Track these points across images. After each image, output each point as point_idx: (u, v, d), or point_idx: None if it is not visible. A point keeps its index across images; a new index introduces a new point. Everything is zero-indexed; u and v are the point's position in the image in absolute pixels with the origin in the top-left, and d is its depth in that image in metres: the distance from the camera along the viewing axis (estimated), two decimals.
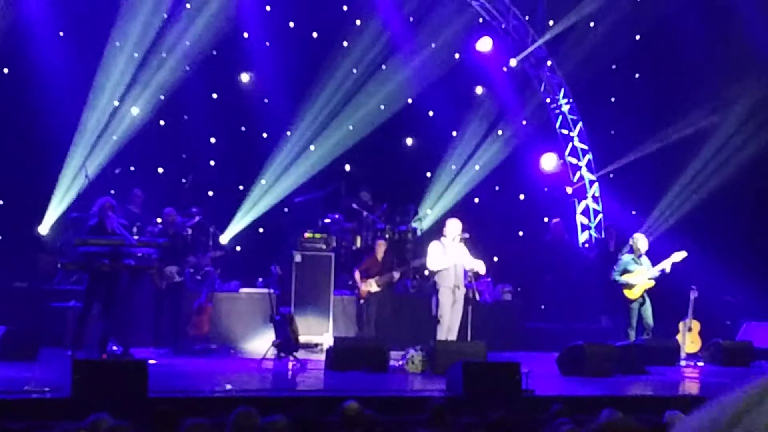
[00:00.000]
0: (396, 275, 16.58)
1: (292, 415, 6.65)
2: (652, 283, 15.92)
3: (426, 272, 17.10)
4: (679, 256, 15.80)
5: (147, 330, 15.38)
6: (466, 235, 14.75)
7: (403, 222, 18.65)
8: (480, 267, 14.72)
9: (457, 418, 8.35)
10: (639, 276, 15.93)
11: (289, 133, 19.26)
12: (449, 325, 14.62)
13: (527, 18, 20.96)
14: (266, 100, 19.43)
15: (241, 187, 18.86)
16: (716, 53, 20.00)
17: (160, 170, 18.86)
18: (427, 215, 19.88)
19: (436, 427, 7.42)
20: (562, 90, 21.53)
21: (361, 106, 19.63)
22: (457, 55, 20.76)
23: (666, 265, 15.82)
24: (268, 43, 19.43)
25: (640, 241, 16.28)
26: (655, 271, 15.88)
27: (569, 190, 21.78)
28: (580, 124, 21.74)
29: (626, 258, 16.23)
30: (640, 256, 16.16)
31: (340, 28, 19.68)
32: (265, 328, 15.15)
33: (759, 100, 19.77)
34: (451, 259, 14.65)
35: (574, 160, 21.86)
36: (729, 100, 19.78)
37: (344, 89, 19.50)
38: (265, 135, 19.37)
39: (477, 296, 15.79)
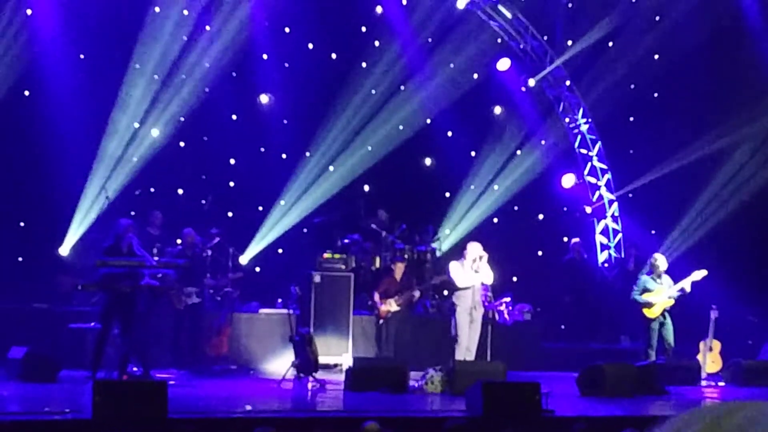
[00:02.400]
0: (416, 294, 16.62)
1: None
2: (672, 301, 15.87)
3: (445, 292, 17.12)
4: (699, 274, 15.75)
5: (166, 351, 15.41)
6: (485, 255, 14.79)
7: (422, 242, 18.67)
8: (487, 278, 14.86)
9: None
10: (658, 295, 15.88)
11: (308, 153, 19.31)
12: (467, 345, 14.66)
13: (545, 38, 20.99)
14: (285, 121, 19.48)
15: (260, 208, 18.90)
16: (735, 73, 19.97)
17: (180, 191, 18.92)
18: (446, 235, 19.87)
19: None
20: (581, 110, 21.53)
21: (380, 127, 19.66)
22: (475, 76, 20.77)
23: (686, 284, 15.77)
24: (287, 65, 19.50)
25: (660, 260, 16.25)
26: (675, 290, 15.83)
27: (588, 209, 21.74)
28: (599, 144, 21.73)
29: (645, 277, 16.19)
30: (660, 275, 16.11)
31: (358, 50, 19.73)
32: (285, 349, 15.17)
33: None
34: (470, 280, 14.72)
35: (593, 180, 21.83)
36: (748, 120, 19.71)
37: (363, 110, 19.54)
38: (284, 156, 19.41)
39: (496, 317, 15.87)
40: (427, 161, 21.02)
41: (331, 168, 19.48)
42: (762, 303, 18.28)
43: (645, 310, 15.98)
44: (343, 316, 16.31)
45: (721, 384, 15.90)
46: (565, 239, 20.67)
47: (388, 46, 19.82)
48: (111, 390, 10.01)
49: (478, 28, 20.42)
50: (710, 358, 16.26)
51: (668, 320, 15.93)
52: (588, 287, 19.88)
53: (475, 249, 14.90)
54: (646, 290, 16.01)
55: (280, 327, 15.87)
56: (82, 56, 17.76)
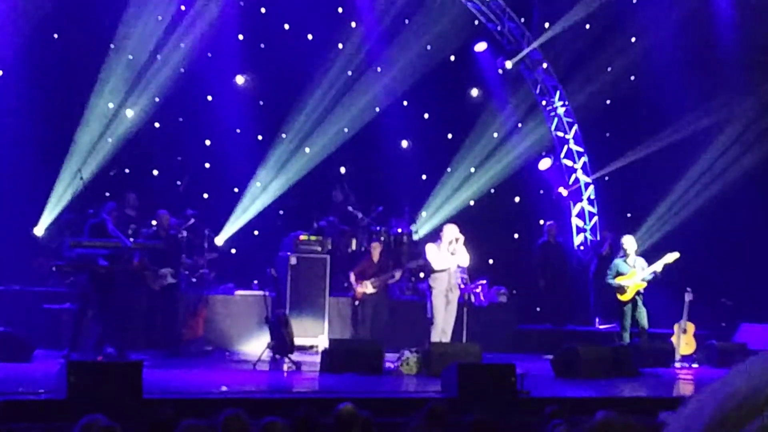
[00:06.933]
0: (397, 275, 16.63)
1: (288, 417, 6.64)
2: (644, 284, 15.91)
3: (421, 274, 17.13)
4: (671, 257, 15.80)
5: (141, 332, 15.38)
6: (462, 237, 14.81)
7: (398, 224, 18.66)
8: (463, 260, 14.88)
9: (453, 420, 8.35)
10: (631, 278, 15.92)
11: (284, 135, 19.24)
12: (443, 326, 14.68)
13: (522, 20, 20.97)
14: (261, 102, 19.43)
15: (236, 190, 18.84)
16: (711, 56, 20.05)
17: (155, 172, 18.83)
18: (423, 219, 19.86)
19: (433, 427, 7.41)
20: (558, 92, 21.54)
21: (356, 109, 19.61)
22: (452, 57, 20.74)
23: (658, 266, 15.82)
24: (263, 45, 19.43)
25: (628, 242, 16.27)
26: (647, 273, 15.88)
27: (564, 192, 21.77)
28: (575, 127, 21.75)
29: (618, 261, 16.23)
30: (629, 257, 16.13)
31: (335, 31, 19.67)
32: (260, 331, 15.15)
33: (760, 104, 19.76)
34: (446, 262, 14.73)
35: (569, 163, 21.86)
36: (725, 104, 19.77)
37: (339, 91, 19.49)
38: (260, 137, 19.35)
39: (472, 299, 15.89)
40: (404, 143, 20.98)
41: (306, 149, 19.43)
42: (736, 286, 18.37)
43: (618, 294, 16.03)
44: (319, 298, 16.30)
45: (695, 366, 16.00)
46: (542, 222, 20.69)
47: (365, 27, 19.76)
48: (85, 371, 9.98)
49: (455, 10, 20.35)
50: (684, 340, 16.32)
51: (641, 303, 15.99)
52: (563, 270, 19.92)
53: (451, 231, 14.91)
54: (619, 273, 16.04)
55: (256, 309, 15.84)
56: (56, 36, 17.64)
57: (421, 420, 7.42)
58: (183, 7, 18.36)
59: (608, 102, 21.26)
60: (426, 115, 20.69)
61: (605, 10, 20.05)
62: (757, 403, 1.01)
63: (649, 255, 16.42)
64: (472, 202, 20.74)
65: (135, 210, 16.98)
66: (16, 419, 9.14)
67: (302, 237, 16.63)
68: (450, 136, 21.00)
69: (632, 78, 21.00)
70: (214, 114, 18.87)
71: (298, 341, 14.65)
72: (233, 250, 18.47)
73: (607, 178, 21.56)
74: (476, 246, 16.20)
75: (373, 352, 13.70)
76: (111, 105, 17.80)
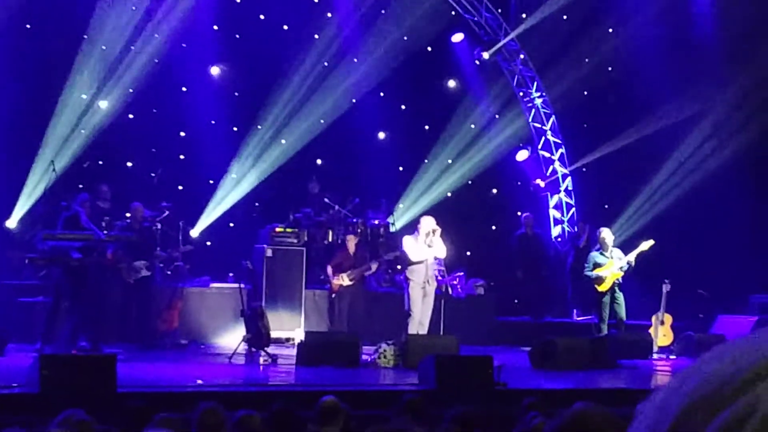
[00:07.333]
0: (374, 266, 16.59)
1: (264, 410, 6.57)
2: (621, 273, 15.90)
3: (398, 266, 17.07)
4: (646, 245, 15.81)
5: (115, 325, 15.25)
6: (439, 229, 14.75)
7: (375, 216, 18.59)
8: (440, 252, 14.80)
9: (434, 412, 8.30)
10: (608, 269, 15.91)
11: (259, 126, 19.14)
12: (420, 319, 14.63)
13: (500, 11, 20.90)
14: (236, 93, 19.32)
15: (211, 181, 18.72)
16: (689, 47, 20.07)
17: (129, 164, 18.70)
18: (400, 210, 19.79)
19: (411, 419, 7.36)
20: (535, 83, 21.50)
21: (332, 99, 19.51)
22: (429, 48, 20.68)
23: (632, 255, 15.82)
24: (238, 36, 19.31)
25: (605, 234, 16.25)
26: (623, 262, 15.87)
27: (542, 183, 21.73)
28: (553, 118, 21.72)
29: (594, 253, 16.20)
30: (608, 249, 16.12)
31: (310, 21, 19.56)
32: (236, 323, 15.04)
33: (737, 95, 19.78)
34: (423, 254, 14.67)
35: (547, 154, 21.82)
36: (703, 95, 19.79)
37: (315, 82, 19.38)
38: (235, 128, 19.23)
39: (450, 291, 15.84)
40: (381, 135, 20.90)
41: (282, 141, 19.32)
42: (713, 277, 18.39)
43: (596, 285, 16.01)
44: (295, 291, 16.25)
45: (673, 357, 16.02)
46: (519, 213, 20.66)
47: (341, 18, 19.66)
48: (59, 364, 9.91)
49: (432, 0, 20.25)
50: (662, 332, 16.33)
51: (619, 294, 15.98)
52: (541, 262, 19.90)
53: (428, 223, 14.85)
54: (597, 265, 16.02)
55: (232, 301, 15.74)
56: (28, 26, 17.46)
57: (399, 413, 7.37)
58: None
59: (586, 93, 21.23)
60: (403, 106, 20.61)
61: (583, 1, 20.03)
62: (732, 389, 0.95)
63: (627, 246, 16.41)
64: (449, 194, 20.67)
65: (108, 202, 16.82)
66: None
67: (278, 229, 16.56)
68: (427, 127, 20.95)
69: (610, 69, 20.98)
70: (188, 105, 18.72)
71: (274, 334, 14.56)
72: (208, 243, 18.34)
73: (584, 169, 21.57)
74: (453, 238, 16.16)
75: (349, 344, 13.66)
76: (84, 96, 17.64)
